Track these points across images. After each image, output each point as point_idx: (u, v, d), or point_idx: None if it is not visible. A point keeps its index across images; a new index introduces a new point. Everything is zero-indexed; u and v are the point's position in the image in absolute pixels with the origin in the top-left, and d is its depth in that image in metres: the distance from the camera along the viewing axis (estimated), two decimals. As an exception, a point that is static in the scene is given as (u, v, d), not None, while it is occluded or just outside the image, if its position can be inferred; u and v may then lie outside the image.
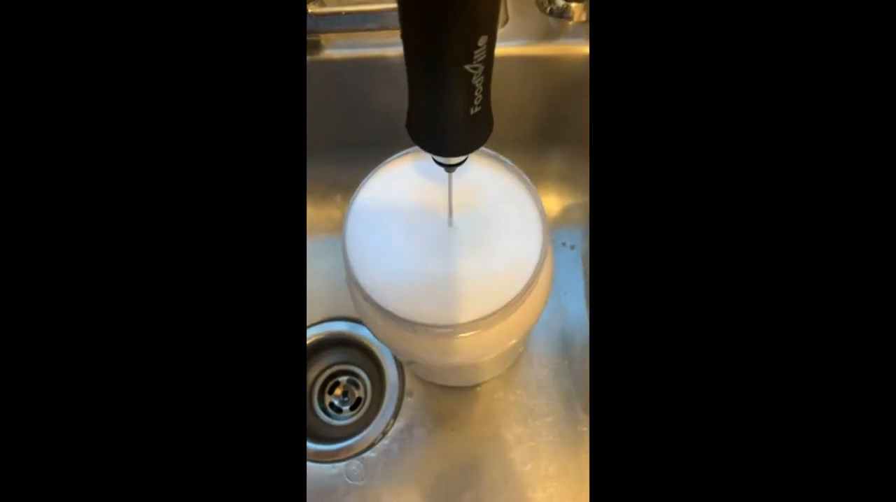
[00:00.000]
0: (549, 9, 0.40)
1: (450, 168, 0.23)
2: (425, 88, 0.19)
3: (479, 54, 0.17)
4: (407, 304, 0.26)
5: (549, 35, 0.39)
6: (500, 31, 0.39)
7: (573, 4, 0.39)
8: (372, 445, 0.41)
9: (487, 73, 0.18)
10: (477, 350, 0.29)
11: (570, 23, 0.39)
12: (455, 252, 0.27)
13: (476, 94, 0.18)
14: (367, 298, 0.26)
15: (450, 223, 0.28)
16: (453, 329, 0.26)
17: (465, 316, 0.26)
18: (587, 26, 0.39)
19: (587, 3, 0.39)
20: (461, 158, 0.22)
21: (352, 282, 0.28)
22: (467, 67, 0.17)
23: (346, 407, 0.45)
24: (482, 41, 0.16)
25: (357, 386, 0.46)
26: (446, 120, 0.20)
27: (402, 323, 0.26)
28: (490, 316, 0.26)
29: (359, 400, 0.45)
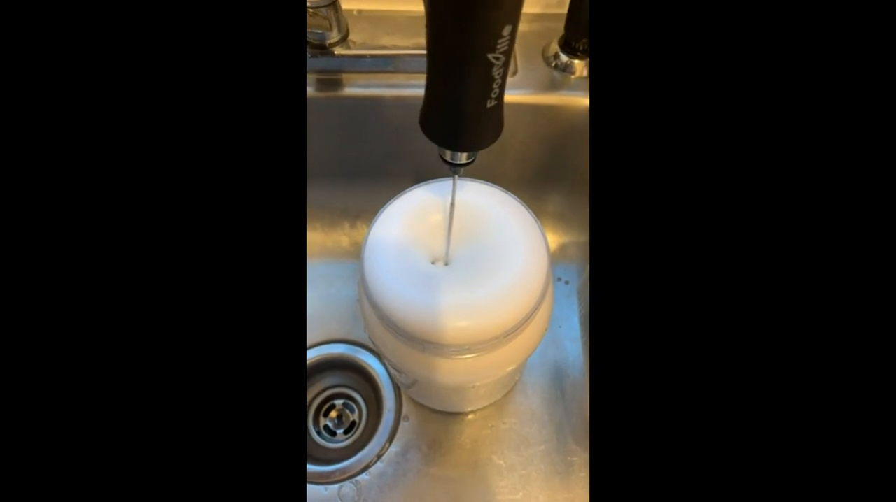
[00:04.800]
0: (554, 63, 0.43)
1: (456, 168, 0.24)
2: (446, 77, 0.19)
3: (502, 44, 0.17)
4: (418, 324, 0.28)
5: (553, 86, 0.43)
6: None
7: (576, 61, 0.43)
8: (366, 468, 0.41)
9: (506, 67, 0.18)
10: (479, 372, 0.31)
11: (573, 76, 0.43)
12: (466, 277, 0.29)
13: (494, 86, 0.19)
14: (382, 318, 0.28)
15: (447, 256, 0.29)
16: (460, 349, 0.28)
17: (473, 337, 0.27)
18: (588, 81, 0.43)
19: (588, 59, 0.43)
20: (469, 158, 0.23)
21: (367, 304, 0.30)
22: (490, 56, 0.17)
23: (340, 431, 0.46)
24: (506, 30, 0.17)
25: (352, 410, 0.47)
26: (464, 110, 0.20)
27: (413, 341, 0.28)
28: (496, 338, 0.28)
29: (353, 424, 0.46)
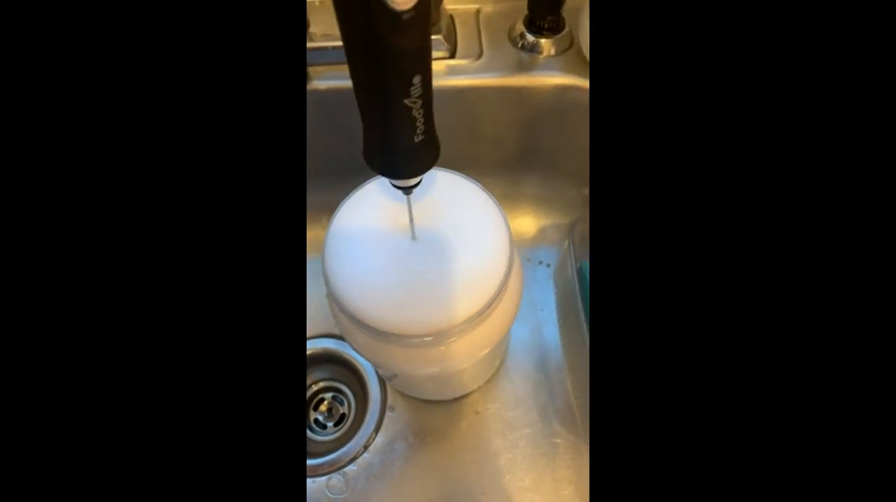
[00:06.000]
0: (520, 43, 0.43)
1: (406, 190, 0.25)
2: (373, 121, 0.21)
3: (414, 90, 0.19)
4: (383, 317, 0.28)
5: (521, 68, 0.42)
6: (476, 64, 0.42)
7: (542, 40, 0.42)
8: (354, 459, 0.42)
9: (427, 106, 0.20)
10: (452, 359, 0.31)
11: (541, 56, 0.42)
12: (427, 265, 0.29)
13: (418, 124, 0.20)
14: (346, 312, 0.28)
15: (412, 236, 0.29)
16: (427, 339, 0.28)
17: (439, 325, 0.27)
18: (556, 60, 0.42)
19: (555, 38, 0.42)
20: (415, 181, 0.25)
21: (332, 298, 0.30)
22: (406, 102, 0.19)
23: (330, 424, 0.46)
24: (416, 80, 0.19)
25: (341, 403, 0.47)
26: (395, 147, 0.22)
27: (379, 335, 0.28)
28: (462, 324, 0.27)
29: (343, 416, 0.46)
